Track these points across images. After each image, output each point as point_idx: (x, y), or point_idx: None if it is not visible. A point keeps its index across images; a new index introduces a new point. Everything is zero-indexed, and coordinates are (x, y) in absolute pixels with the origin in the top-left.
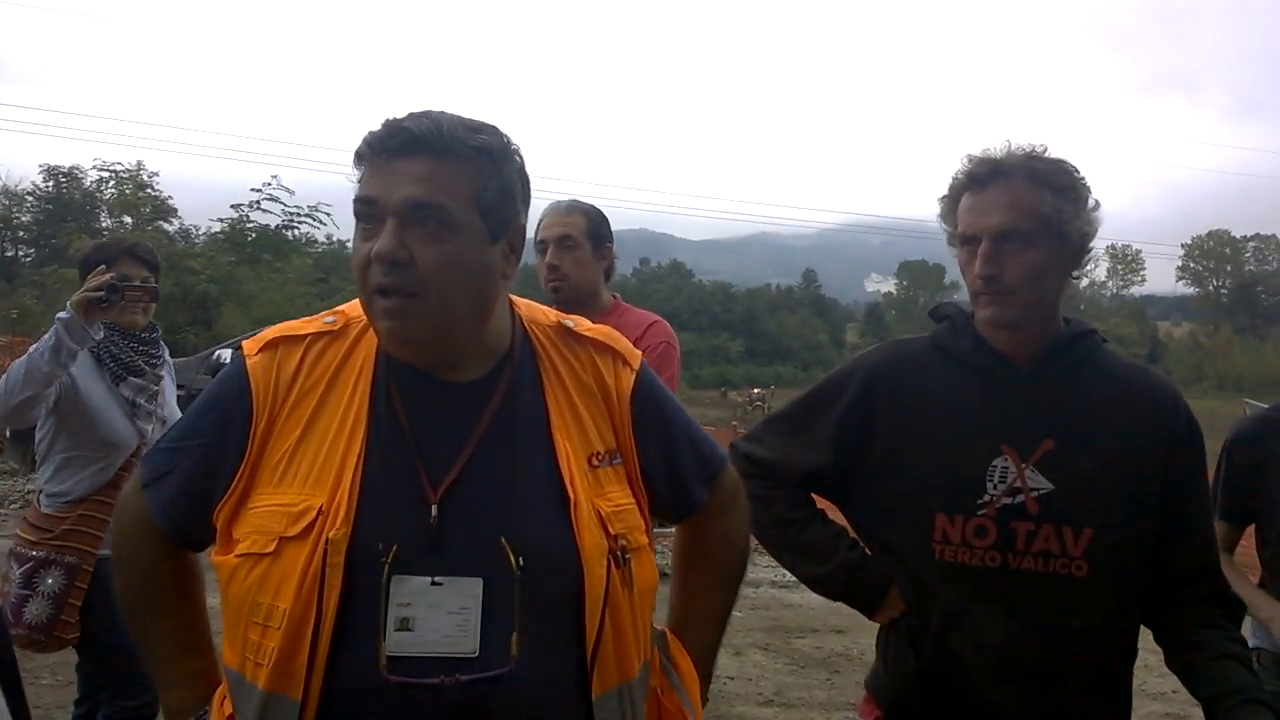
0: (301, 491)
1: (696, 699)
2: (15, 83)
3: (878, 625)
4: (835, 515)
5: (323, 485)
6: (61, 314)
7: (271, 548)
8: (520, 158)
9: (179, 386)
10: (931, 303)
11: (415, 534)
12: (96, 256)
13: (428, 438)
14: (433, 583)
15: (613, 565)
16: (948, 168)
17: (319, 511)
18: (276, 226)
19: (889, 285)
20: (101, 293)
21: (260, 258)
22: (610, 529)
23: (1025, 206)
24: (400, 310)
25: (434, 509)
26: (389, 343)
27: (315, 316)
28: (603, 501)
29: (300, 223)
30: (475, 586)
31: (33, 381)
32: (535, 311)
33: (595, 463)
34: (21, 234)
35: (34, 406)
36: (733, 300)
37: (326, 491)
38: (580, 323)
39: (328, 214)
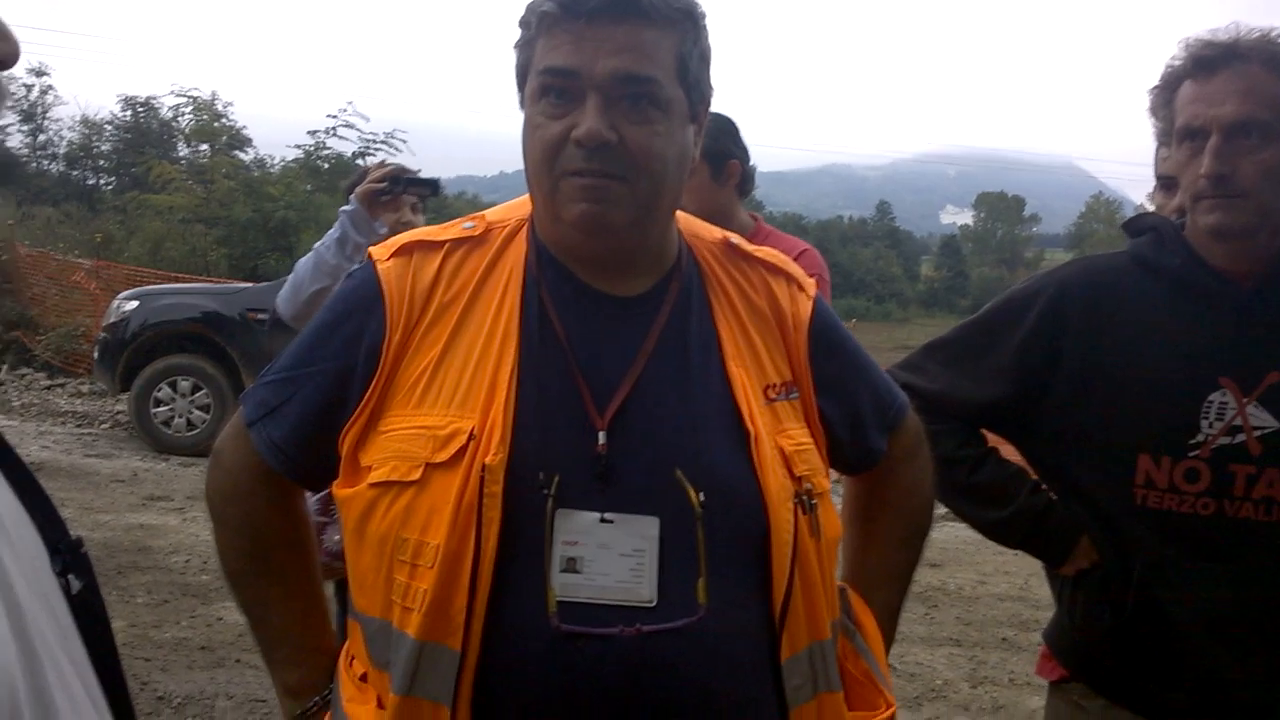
0: (447, 413)
1: (884, 664)
2: (88, 12)
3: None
4: (1009, 454)
5: (471, 407)
6: (346, 207)
7: (416, 475)
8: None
9: (260, 311)
10: (1011, 236)
11: (580, 463)
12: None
13: (590, 356)
14: (602, 519)
15: (799, 510)
16: (1027, 97)
17: (470, 435)
18: (352, 154)
19: (965, 217)
20: (384, 184)
21: (337, 185)
22: (794, 469)
23: (1264, 95)
24: (602, 192)
25: (601, 436)
26: (578, 228)
27: (451, 222)
28: (784, 439)
29: (376, 149)
30: (650, 526)
31: (321, 274)
32: (695, 225)
33: (772, 395)
34: (102, 162)
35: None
36: (804, 233)
37: (477, 414)
38: (745, 241)
39: (403, 142)
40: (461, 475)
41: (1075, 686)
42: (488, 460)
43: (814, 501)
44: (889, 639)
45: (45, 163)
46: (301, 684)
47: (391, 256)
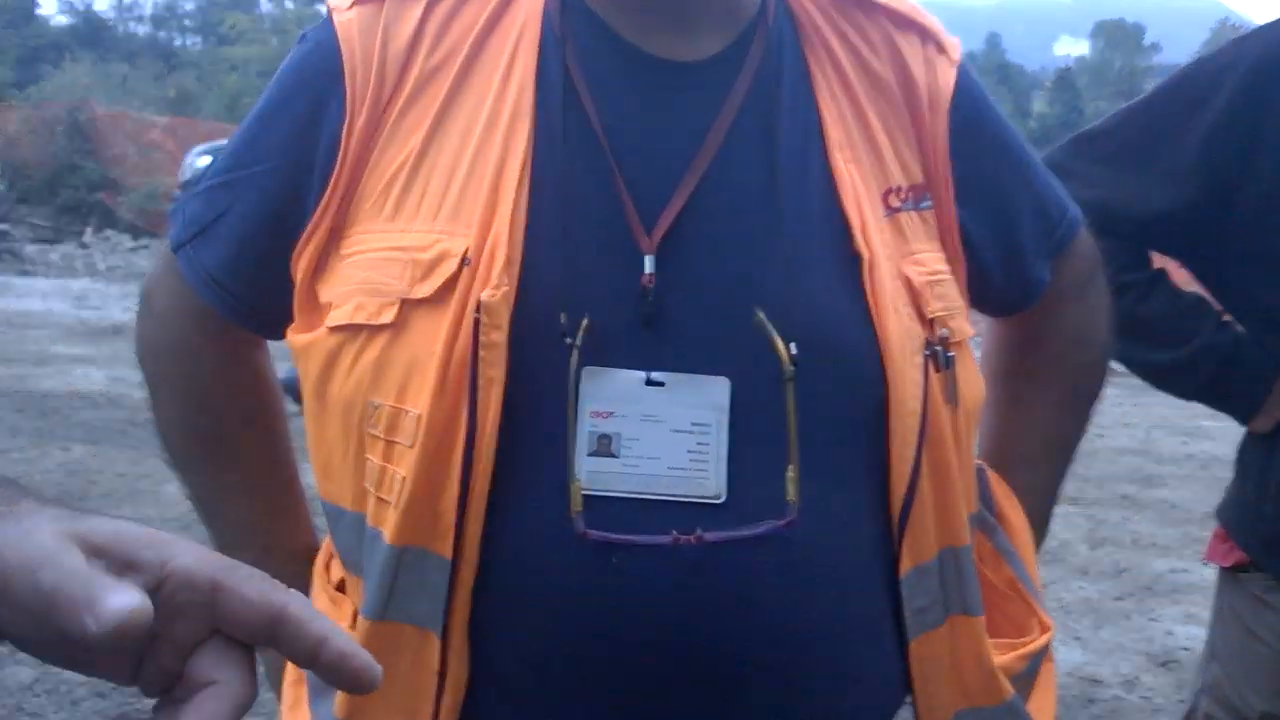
0: (432, 229)
1: (1034, 569)
2: None
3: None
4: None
5: (465, 218)
6: None
7: (389, 316)
8: None
9: None
10: (1130, 67)
11: (619, 302)
12: None
13: (634, 147)
14: (648, 381)
15: (930, 366)
16: None
17: (463, 260)
18: None
19: (1081, 48)
20: None
21: None
22: (924, 309)
23: None
24: None
25: (648, 262)
26: None
27: None
28: (910, 265)
29: None
30: (718, 391)
31: None
32: None
33: (895, 204)
34: (187, 22)
35: None
36: None
37: (473, 229)
38: None
39: None
40: (451, 316)
41: (1258, 577)
42: (485, 295)
43: (951, 354)
44: (1041, 536)
45: (132, 24)
46: None
47: (354, 4)
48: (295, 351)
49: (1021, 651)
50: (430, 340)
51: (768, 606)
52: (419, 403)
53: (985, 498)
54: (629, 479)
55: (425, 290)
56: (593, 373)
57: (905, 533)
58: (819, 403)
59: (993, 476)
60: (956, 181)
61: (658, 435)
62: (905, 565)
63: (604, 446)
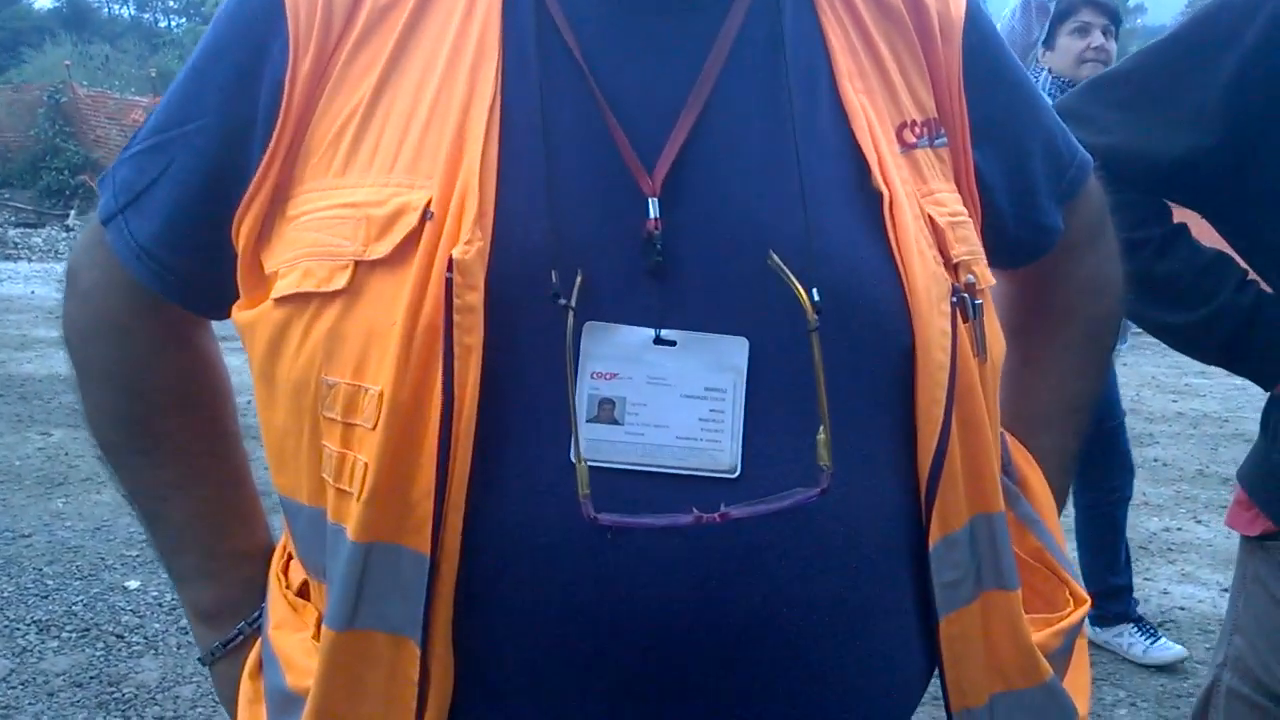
0: (388, 180)
1: (1060, 538)
2: None
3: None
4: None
5: (427, 167)
6: None
7: (342, 281)
8: None
9: None
10: None
11: (618, 252)
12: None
13: (624, 79)
14: (657, 339)
15: (958, 315)
16: None
17: (424, 212)
18: None
19: None
20: None
21: None
22: (949, 251)
23: None
24: None
25: (652, 206)
26: None
27: None
28: (932, 205)
29: None
30: (735, 351)
31: None
32: None
33: (910, 139)
34: (172, 3)
35: None
36: None
37: (436, 179)
38: None
39: None
40: (414, 279)
41: None
42: (457, 252)
43: (979, 302)
44: (1061, 502)
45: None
46: (218, 605)
47: None
48: (239, 328)
49: (1057, 627)
50: (390, 307)
51: (795, 587)
52: (379, 377)
53: (1005, 463)
54: (631, 449)
55: (382, 250)
56: (595, 329)
57: (935, 499)
58: (841, 357)
59: (1012, 443)
60: (971, 118)
61: (667, 400)
62: (934, 535)
63: (606, 412)
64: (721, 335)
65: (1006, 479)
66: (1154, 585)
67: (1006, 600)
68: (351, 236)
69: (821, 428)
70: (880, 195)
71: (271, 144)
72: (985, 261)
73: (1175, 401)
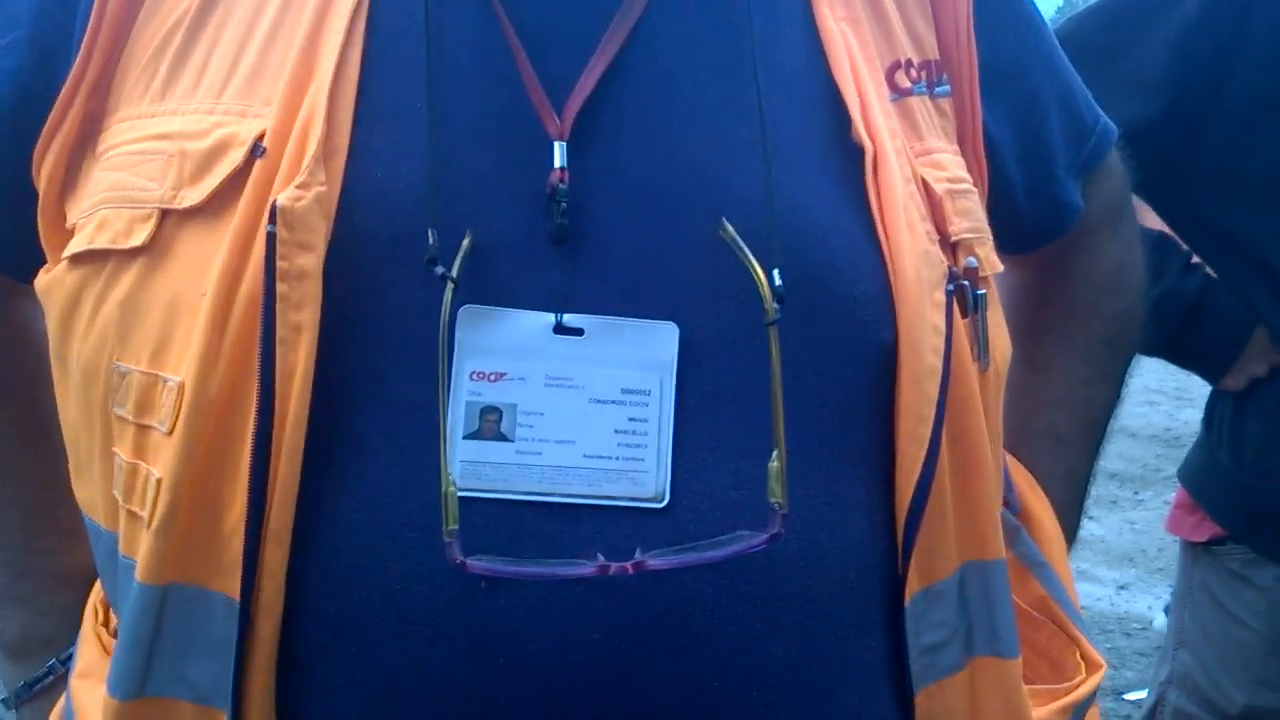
0: (214, 106)
1: (1066, 574)
2: None
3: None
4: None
5: (265, 91)
6: None
7: (141, 236)
8: None
9: None
10: None
11: (514, 210)
12: None
13: None
14: (559, 327)
15: (955, 306)
16: None
17: (253, 147)
18: None
19: None
20: None
21: None
22: (947, 225)
23: None
24: None
25: (558, 150)
26: None
27: None
28: (926, 166)
29: None
30: (661, 340)
31: None
32: None
33: (903, 83)
34: None
35: None
36: None
37: (275, 104)
38: None
39: None
40: (234, 232)
41: (1236, 551)
42: (283, 198)
43: (980, 292)
44: (1071, 536)
45: None
46: (27, 636)
47: None
48: (40, 298)
49: (1064, 701)
50: (201, 271)
51: (731, 654)
52: (180, 366)
53: (1006, 492)
54: (524, 473)
55: (196, 195)
56: (474, 314)
57: (914, 540)
58: (802, 358)
59: (1013, 464)
60: (982, 68)
61: (571, 407)
62: (912, 586)
63: (489, 425)
64: (644, 321)
65: (1006, 512)
66: None
67: (1002, 670)
68: (159, 177)
69: (775, 453)
70: (862, 149)
71: (78, 59)
72: (991, 242)
73: None
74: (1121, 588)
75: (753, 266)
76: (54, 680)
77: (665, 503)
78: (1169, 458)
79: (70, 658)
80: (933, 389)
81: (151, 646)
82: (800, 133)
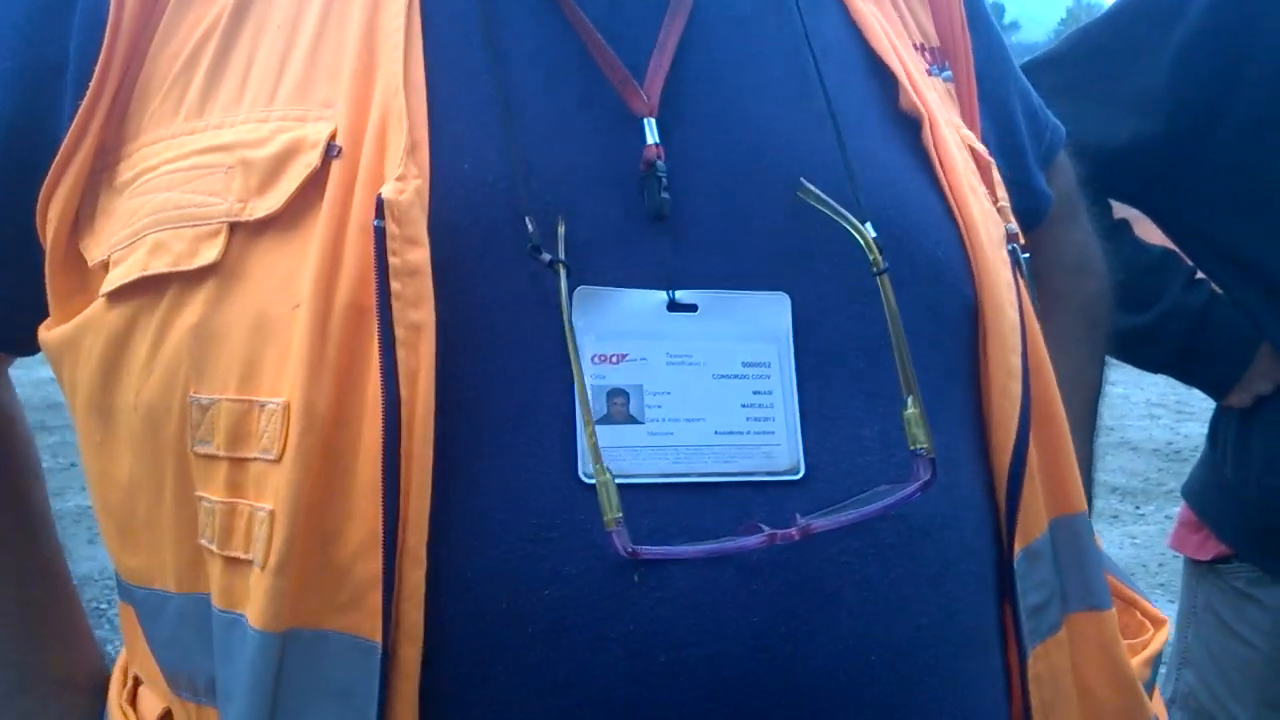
0: (267, 113)
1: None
2: None
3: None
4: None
5: (323, 91)
6: None
7: (211, 254)
8: None
9: None
10: None
11: (609, 190)
12: None
13: None
14: (672, 304)
15: (1017, 270)
16: None
17: (327, 146)
18: None
19: None
20: None
21: None
22: (995, 189)
23: None
24: None
25: (649, 128)
26: None
27: None
28: (966, 136)
29: None
30: (775, 311)
31: None
32: None
33: (928, 63)
34: None
35: None
36: None
37: (343, 101)
38: None
39: None
40: (322, 237)
41: (1241, 569)
42: (388, 191)
43: (1028, 255)
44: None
45: None
46: None
47: None
48: (53, 354)
49: (1144, 655)
50: (288, 282)
51: (886, 626)
52: (281, 386)
53: None
54: (660, 455)
55: (270, 204)
56: (588, 295)
57: (1019, 502)
58: (903, 314)
59: None
60: (977, 61)
61: (697, 384)
62: (1017, 545)
63: (618, 408)
64: (754, 292)
65: None
66: None
67: (1099, 623)
68: (221, 191)
69: (911, 399)
70: (919, 116)
71: (90, 89)
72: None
73: None
74: None
75: (850, 220)
76: None
77: (801, 474)
78: (1171, 472)
79: None
80: (1017, 344)
81: (274, 698)
82: (861, 102)
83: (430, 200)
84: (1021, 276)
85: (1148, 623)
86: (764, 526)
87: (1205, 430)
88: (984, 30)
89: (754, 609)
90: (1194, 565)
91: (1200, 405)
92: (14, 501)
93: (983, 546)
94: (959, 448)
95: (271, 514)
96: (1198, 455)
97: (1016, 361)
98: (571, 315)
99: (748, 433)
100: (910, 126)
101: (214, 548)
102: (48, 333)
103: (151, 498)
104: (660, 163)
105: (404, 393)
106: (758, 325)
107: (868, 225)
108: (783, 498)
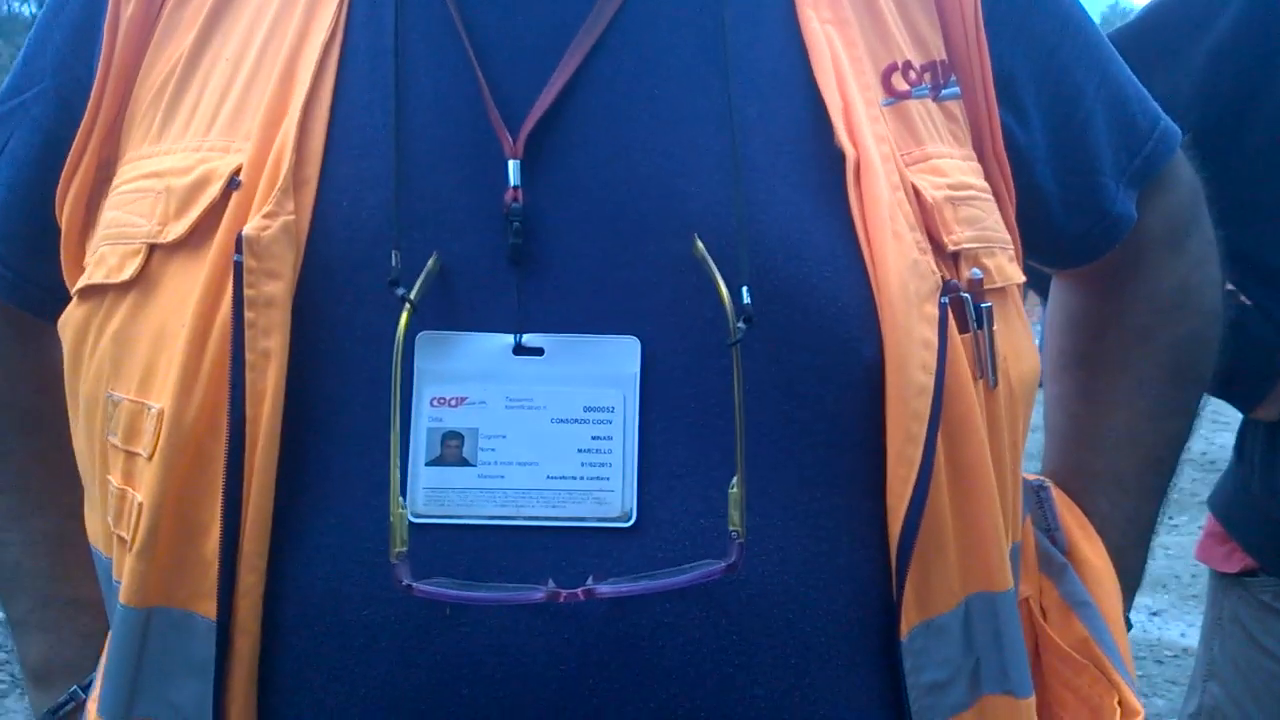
0: (200, 144)
1: (1117, 624)
2: None
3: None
4: None
5: (247, 124)
6: None
7: (130, 270)
8: None
9: None
10: None
11: (474, 231)
12: None
13: (499, 8)
14: (518, 347)
15: (952, 321)
16: None
17: (231, 180)
18: None
19: None
20: None
21: None
22: (942, 234)
23: None
24: None
25: (512, 170)
26: None
27: None
28: (921, 173)
29: None
30: (623, 355)
31: None
32: None
33: (900, 86)
34: None
35: None
36: None
37: (253, 139)
38: None
39: None
40: (210, 264)
41: (1268, 582)
42: (248, 229)
43: (985, 305)
44: (1132, 585)
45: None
46: (50, 663)
47: None
48: (60, 336)
49: None
50: (183, 301)
51: (711, 691)
52: (162, 393)
53: (1052, 528)
54: (488, 497)
55: (179, 229)
56: (432, 339)
57: (908, 572)
58: (776, 379)
59: (1061, 499)
60: (997, 68)
61: (533, 428)
62: (908, 621)
63: (452, 450)
64: (603, 336)
65: (1051, 547)
66: None
67: (1014, 710)
68: (149, 214)
69: (735, 479)
70: (842, 154)
71: (88, 110)
72: (1011, 252)
73: None
74: (1154, 614)
75: (718, 284)
76: (75, 707)
77: (632, 522)
78: (1204, 482)
79: (90, 684)
80: (923, 407)
81: (137, 669)
82: (777, 141)
83: (307, 235)
84: (963, 329)
85: (1120, 711)
86: (552, 581)
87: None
88: (1048, 30)
89: (565, 658)
90: (1220, 577)
91: (1235, 415)
92: (48, 441)
93: (865, 617)
94: (839, 515)
95: (141, 505)
96: None
97: (920, 427)
98: (407, 355)
99: (581, 478)
100: (838, 165)
101: (111, 525)
102: (61, 318)
103: (89, 474)
104: (516, 205)
105: (249, 412)
106: (604, 369)
107: (743, 290)
108: (609, 548)
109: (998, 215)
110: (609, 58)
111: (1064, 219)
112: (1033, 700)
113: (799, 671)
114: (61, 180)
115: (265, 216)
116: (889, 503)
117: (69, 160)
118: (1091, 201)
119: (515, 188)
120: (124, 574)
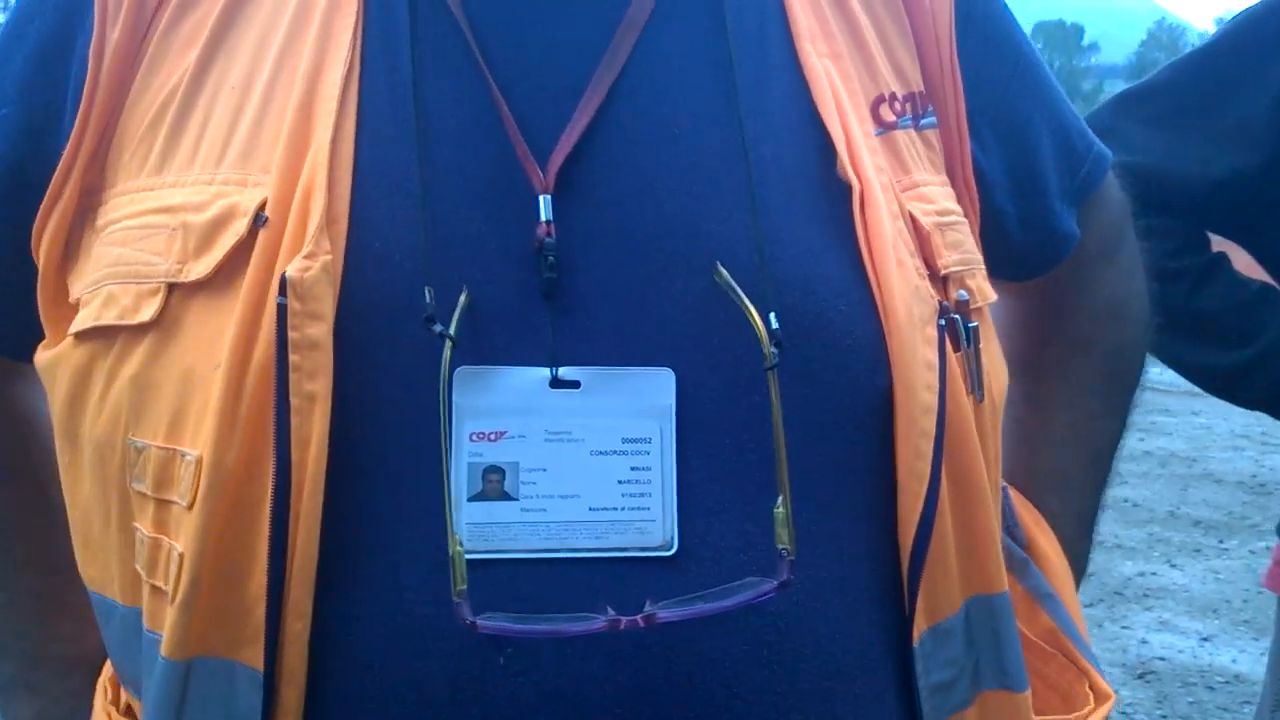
0: (213, 177)
1: (1077, 612)
2: None
3: None
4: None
5: (263, 159)
6: None
7: (149, 311)
8: None
9: None
10: (1069, 67)
11: (506, 266)
12: None
13: (518, 46)
14: (555, 380)
15: (947, 341)
16: None
17: (257, 215)
18: None
19: None
20: None
21: None
22: (936, 260)
23: None
24: None
25: (543, 204)
26: None
27: None
28: (913, 200)
29: None
30: (659, 387)
31: None
32: None
33: (888, 117)
34: None
35: None
36: None
37: (274, 173)
38: None
39: None
40: (243, 305)
41: None
42: (292, 270)
43: (973, 325)
44: (1079, 574)
45: None
46: None
47: None
48: (42, 377)
49: None
50: (213, 345)
51: (748, 709)
52: (197, 440)
53: (1011, 526)
54: (531, 531)
55: (203, 269)
56: (470, 374)
57: (921, 579)
58: (798, 404)
59: (1017, 498)
60: (968, 99)
61: (573, 461)
62: (919, 626)
63: (493, 485)
64: (639, 368)
65: (1012, 543)
66: (1132, 634)
67: (1012, 704)
68: (164, 252)
69: (780, 499)
70: (849, 187)
71: (71, 137)
72: (984, 272)
73: (1142, 440)
74: (1205, 639)
75: (749, 310)
76: None
77: (674, 550)
78: (1255, 505)
79: None
80: (929, 425)
81: (177, 718)
82: (789, 176)
83: (343, 275)
84: (956, 348)
85: (1092, 697)
86: (611, 610)
87: None
88: (1003, 68)
89: (621, 701)
90: None
91: None
92: (37, 493)
93: (879, 630)
94: (857, 539)
95: (181, 556)
96: None
97: (927, 445)
98: (451, 392)
99: (622, 509)
100: (843, 196)
101: (144, 575)
102: (40, 354)
103: (102, 520)
104: (549, 240)
105: (295, 456)
106: (640, 401)
107: (770, 316)
108: (653, 576)
109: (974, 238)
110: (627, 97)
111: (1020, 237)
112: (1029, 694)
113: (832, 695)
114: (40, 213)
115: (306, 257)
116: (900, 516)
117: (50, 191)
118: (1043, 220)
119: (548, 222)
120: (165, 626)
